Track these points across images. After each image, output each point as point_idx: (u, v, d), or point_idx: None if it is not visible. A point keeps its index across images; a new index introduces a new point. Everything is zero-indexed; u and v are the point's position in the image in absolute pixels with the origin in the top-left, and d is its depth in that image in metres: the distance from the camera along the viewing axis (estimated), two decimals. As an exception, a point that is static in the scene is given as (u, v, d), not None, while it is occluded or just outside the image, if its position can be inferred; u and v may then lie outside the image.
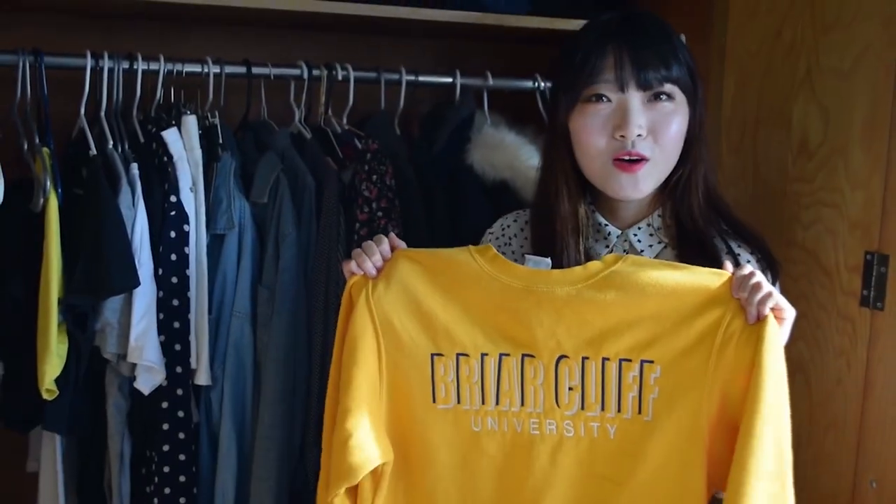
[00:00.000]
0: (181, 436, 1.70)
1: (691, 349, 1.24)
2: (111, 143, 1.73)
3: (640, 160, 1.34)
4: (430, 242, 1.79)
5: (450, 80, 1.98)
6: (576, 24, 1.92)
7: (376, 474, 1.32)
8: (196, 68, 1.83)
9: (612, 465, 1.28)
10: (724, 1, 1.86)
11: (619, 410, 1.27)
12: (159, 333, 1.66)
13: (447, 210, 1.85)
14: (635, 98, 1.33)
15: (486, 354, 1.30)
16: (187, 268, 1.69)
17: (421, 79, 1.96)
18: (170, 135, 1.72)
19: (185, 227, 1.69)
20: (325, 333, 1.77)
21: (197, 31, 2.09)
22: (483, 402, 1.31)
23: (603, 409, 1.28)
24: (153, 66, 1.78)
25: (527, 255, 1.33)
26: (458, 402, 1.32)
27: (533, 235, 1.47)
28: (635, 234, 1.43)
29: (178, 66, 1.81)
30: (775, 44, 1.77)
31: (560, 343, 1.28)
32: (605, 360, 1.27)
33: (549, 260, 1.32)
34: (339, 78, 1.89)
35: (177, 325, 1.69)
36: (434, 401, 1.32)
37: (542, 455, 1.30)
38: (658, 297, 1.25)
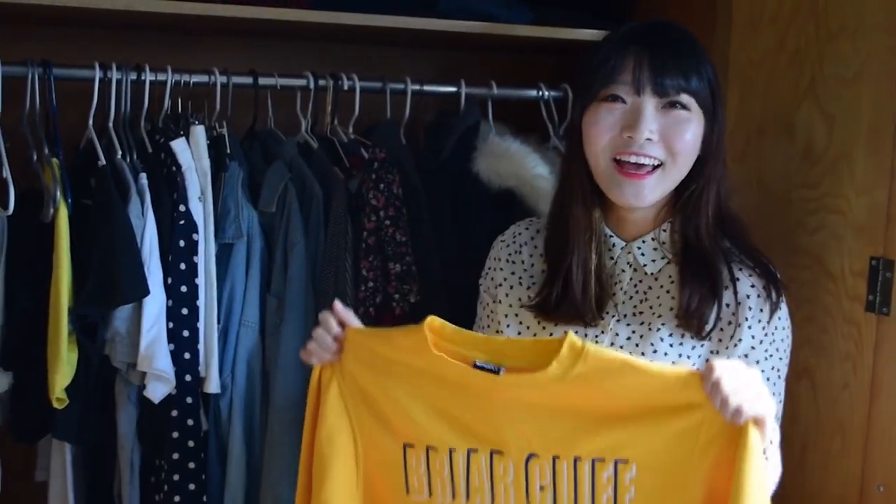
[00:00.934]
0: (191, 444, 1.70)
1: (670, 448, 1.16)
2: (120, 153, 1.74)
3: (648, 168, 1.32)
4: (437, 250, 1.83)
5: (454, 89, 1.98)
6: (578, 35, 1.95)
7: None
8: (203, 79, 1.83)
9: None
10: (728, 10, 1.86)
11: None
12: (169, 342, 1.66)
13: (454, 218, 1.86)
14: (650, 103, 1.31)
15: (455, 449, 1.23)
16: (196, 277, 1.69)
17: (426, 88, 1.97)
18: (178, 145, 1.72)
19: (194, 237, 1.69)
20: (334, 341, 1.77)
21: (204, 42, 2.10)
22: (454, 497, 1.25)
23: None
24: (161, 77, 1.79)
25: (477, 362, 1.21)
26: (430, 495, 1.26)
27: (547, 240, 1.46)
28: (639, 248, 1.42)
29: (186, 77, 1.82)
30: (779, 52, 1.77)
31: (529, 441, 1.20)
32: (576, 459, 1.19)
33: (501, 369, 1.20)
34: (345, 88, 1.90)
35: (186, 333, 1.69)
36: (408, 492, 1.27)
37: None
38: (629, 396, 1.16)
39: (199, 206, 1.70)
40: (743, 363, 1.18)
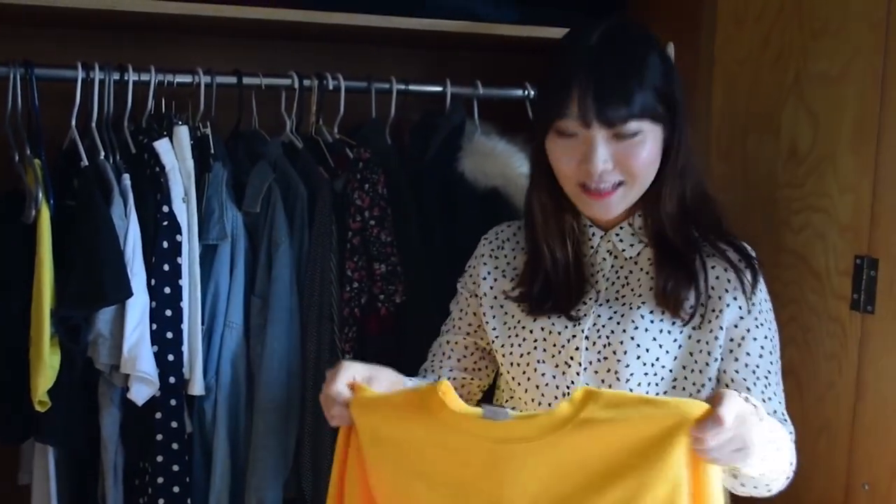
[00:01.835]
0: (175, 446, 1.69)
1: (671, 497, 1.11)
2: (102, 153, 1.72)
3: (609, 188, 1.35)
4: (423, 250, 1.82)
5: (440, 89, 1.97)
6: (564, 34, 1.92)
7: None
8: (187, 79, 1.82)
9: None
10: (712, 9, 1.86)
11: None
12: (152, 344, 1.66)
13: (440, 218, 1.85)
14: (599, 134, 1.31)
15: None
16: (180, 278, 1.69)
17: (411, 88, 1.96)
18: (161, 145, 1.71)
19: (178, 238, 1.69)
20: (319, 342, 1.78)
21: (187, 41, 2.08)
22: None
23: None
24: (144, 77, 1.78)
25: (483, 406, 1.20)
26: None
27: (526, 243, 1.49)
28: (617, 235, 1.44)
29: (169, 77, 1.80)
30: (763, 51, 1.78)
31: (535, 501, 1.15)
32: None
33: (507, 410, 1.19)
34: (330, 87, 1.89)
35: (170, 335, 1.68)
36: None
37: None
38: (635, 444, 1.11)
39: (183, 207, 1.70)
40: (744, 405, 1.14)
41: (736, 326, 1.38)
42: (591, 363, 1.39)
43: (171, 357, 1.67)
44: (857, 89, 1.58)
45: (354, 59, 2.11)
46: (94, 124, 1.73)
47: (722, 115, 1.86)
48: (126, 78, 1.75)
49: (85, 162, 1.67)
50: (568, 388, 1.38)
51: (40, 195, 1.60)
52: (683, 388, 1.38)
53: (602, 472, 1.12)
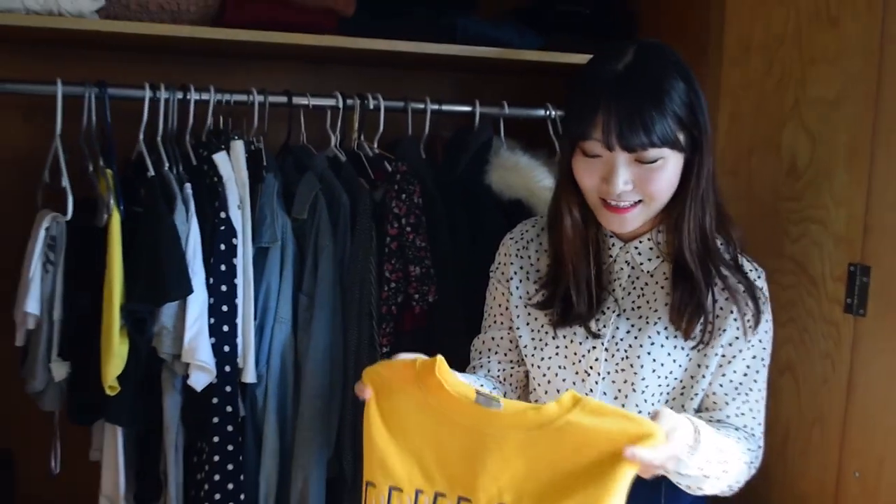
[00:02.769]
0: (229, 428, 1.70)
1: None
2: (167, 165, 1.74)
3: (628, 205, 1.33)
4: (452, 254, 1.82)
5: (469, 108, 1.98)
6: (583, 59, 1.93)
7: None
8: (243, 98, 1.84)
9: None
10: (719, 38, 1.86)
11: None
12: (210, 336, 1.67)
13: (468, 225, 1.86)
14: (620, 157, 1.28)
15: (421, 492, 1.16)
16: (235, 277, 1.70)
17: (444, 108, 1.97)
18: (219, 158, 1.73)
19: (234, 241, 1.70)
20: (359, 336, 1.78)
21: (243, 64, 2.11)
22: None
23: None
24: (204, 97, 1.80)
25: (478, 391, 1.17)
26: None
27: (550, 248, 1.47)
28: (636, 248, 1.42)
29: (227, 97, 1.82)
30: (766, 77, 1.77)
31: (501, 491, 1.12)
32: None
33: (500, 400, 1.16)
34: (371, 107, 1.90)
35: (226, 328, 1.69)
36: None
37: None
38: (603, 455, 1.10)
39: (238, 214, 1.71)
40: (680, 421, 1.19)
41: (730, 345, 1.36)
42: (609, 373, 1.38)
43: (226, 348, 1.68)
44: (852, 112, 1.57)
45: (393, 82, 2.12)
46: (159, 138, 1.76)
47: (728, 135, 1.85)
48: (188, 97, 1.77)
49: (151, 172, 1.69)
50: (587, 394, 1.35)
51: (111, 202, 1.63)
52: (688, 397, 1.38)
53: (568, 474, 1.11)
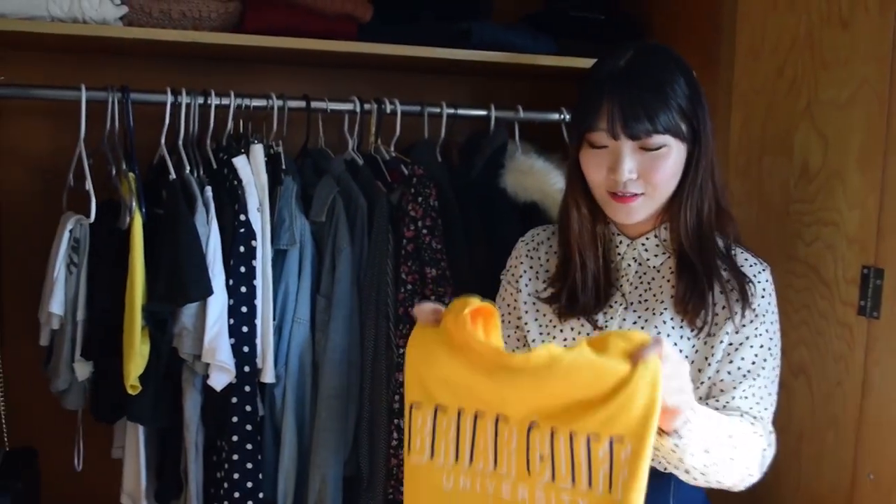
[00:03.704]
0: (248, 427, 1.70)
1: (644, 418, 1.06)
2: (188, 168, 1.75)
3: (633, 195, 1.34)
4: (468, 256, 1.82)
5: (485, 112, 1.98)
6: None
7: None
8: (262, 103, 1.84)
9: None
10: (731, 42, 1.85)
11: (590, 486, 1.08)
12: (230, 336, 1.67)
13: (483, 227, 1.86)
14: (626, 146, 1.31)
15: (463, 410, 1.14)
16: (254, 279, 1.71)
17: (459, 112, 1.97)
18: (239, 161, 1.73)
19: (253, 243, 1.71)
20: (376, 337, 1.78)
21: (262, 70, 2.11)
22: (457, 460, 1.14)
23: (574, 482, 1.08)
24: (224, 101, 1.81)
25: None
26: (432, 456, 1.15)
27: (559, 248, 1.48)
28: (643, 244, 1.43)
29: (247, 101, 1.83)
30: (778, 80, 1.76)
31: (530, 409, 1.10)
32: (572, 434, 1.08)
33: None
34: (388, 111, 1.90)
35: (245, 329, 1.70)
36: (409, 451, 1.16)
37: None
38: (613, 373, 1.06)
39: (258, 216, 1.72)
40: (675, 352, 1.14)
41: (737, 332, 1.36)
42: None
43: (246, 348, 1.69)
44: (864, 114, 1.57)
45: (409, 86, 2.12)
46: (180, 142, 1.77)
47: (740, 137, 1.84)
48: (209, 102, 1.78)
49: (173, 175, 1.70)
50: None
51: (134, 205, 1.63)
52: (694, 386, 1.35)
53: (591, 397, 1.06)
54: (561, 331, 1.43)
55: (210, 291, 1.63)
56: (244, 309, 1.70)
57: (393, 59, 1.93)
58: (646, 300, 1.41)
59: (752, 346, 1.36)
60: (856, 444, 1.59)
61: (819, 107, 1.68)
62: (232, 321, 1.68)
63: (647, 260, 1.42)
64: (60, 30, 1.68)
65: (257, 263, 1.71)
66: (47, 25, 1.68)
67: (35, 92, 1.76)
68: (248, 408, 1.70)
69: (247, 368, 1.69)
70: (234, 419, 1.69)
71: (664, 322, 1.38)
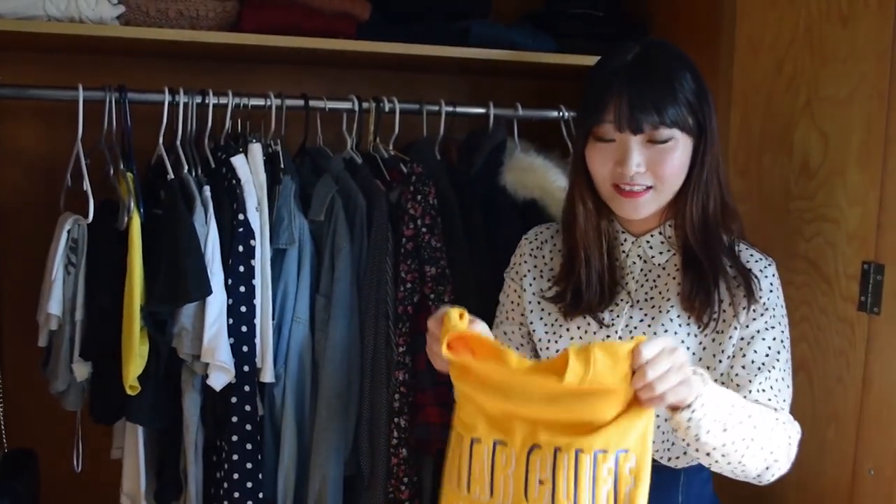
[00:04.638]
0: (248, 427, 1.69)
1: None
2: (186, 168, 1.74)
3: (641, 189, 1.34)
4: (469, 255, 1.81)
5: (483, 110, 1.98)
6: (595, 61, 1.94)
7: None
8: (260, 102, 1.84)
9: None
10: (731, 38, 1.85)
11: None
12: (229, 336, 1.66)
13: (483, 225, 1.85)
14: (633, 139, 1.31)
15: (462, 437, 1.15)
16: (253, 278, 1.70)
17: (458, 110, 1.97)
18: (238, 161, 1.72)
19: (252, 243, 1.70)
20: (375, 335, 1.77)
21: (260, 69, 2.11)
22: (458, 487, 1.15)
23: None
24: (223, 101, 1.80)
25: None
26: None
27: (563, 245, 1.47)
28: (648, 241, 1.42)
29: (245, 100, 1.82)
30: (777, 77, 1.75)
31: (534, 431, 1.10)
32: (578, 451, 1.08)
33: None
34: (386, 109, 1.90)
35: (244, 329, 1.69)
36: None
37: None
38: (616, 391, 1.08)
39: (256, 216, 1.71)
40: (671, 341, 1.13)
41: (747, 326, 1.35)
42: None
43: (245, 348, 1.67)
44: (864, 111, 1.56)
45: (408, 84, 2.13)
46: (178, 142, 1.76)
47: (739, 134, 1.83)
48: (207, 101, 1.77)
49: (171, 175, 1.70)
50: None
51: (132, 204, 1.62)
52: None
53: (602, 417, 1.09)
54: (567, 330, 1.42)
55: (209, 291, 1.62)
56: (243, 308, 1.69)
57: (392, 58, 1.93)
58: (652, 298, 1.40)
59: (764, 339, 1.35)
60: (856, 439, 1.59)
61: (819, 103, 1.67)
62: (231, 321, 1.67)
63: (652, 257, 1.42)
64: (57, 29, 1.68)
65: (256, 263, 1.70)
66: (44, 25, 1.67)
67: (32, 92, 1.75)
68: (248, 407, 1.69)
69: (246, 368, 1.68)
70: (234, 419, 1.68)
71: (671, 320, 1.37)
